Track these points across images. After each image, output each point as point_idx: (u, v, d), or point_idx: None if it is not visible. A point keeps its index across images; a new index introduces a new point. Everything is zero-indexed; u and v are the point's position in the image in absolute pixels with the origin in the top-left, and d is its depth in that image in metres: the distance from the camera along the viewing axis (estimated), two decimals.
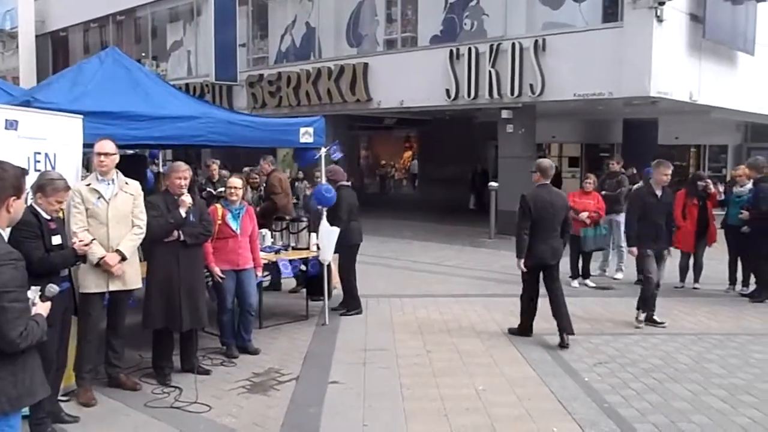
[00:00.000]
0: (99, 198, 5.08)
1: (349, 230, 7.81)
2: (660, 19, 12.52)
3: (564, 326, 6.68)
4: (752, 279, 9.33)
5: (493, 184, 15.11)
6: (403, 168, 24.46)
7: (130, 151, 10.04)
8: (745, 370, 6.07)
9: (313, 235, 7.69)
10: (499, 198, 14.92)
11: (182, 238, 5.46)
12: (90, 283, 5.04)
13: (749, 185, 9.24)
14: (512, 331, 7.21)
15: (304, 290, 8.18)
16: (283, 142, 6.67)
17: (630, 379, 5.77)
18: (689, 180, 9.94)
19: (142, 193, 5.38)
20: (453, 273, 10.96)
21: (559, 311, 6.73)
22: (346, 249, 7.87)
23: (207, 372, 5.84)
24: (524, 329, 7.10)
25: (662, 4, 12.39)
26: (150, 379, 5.63)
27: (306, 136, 6.61)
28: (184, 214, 5.49)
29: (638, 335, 7.19)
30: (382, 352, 6.50)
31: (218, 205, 6.41)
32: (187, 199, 5.52)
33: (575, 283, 9.77)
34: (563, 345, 6.62)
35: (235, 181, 6.46)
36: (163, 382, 5.55)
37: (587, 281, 9.80)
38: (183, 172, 5.54)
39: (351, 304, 8.02)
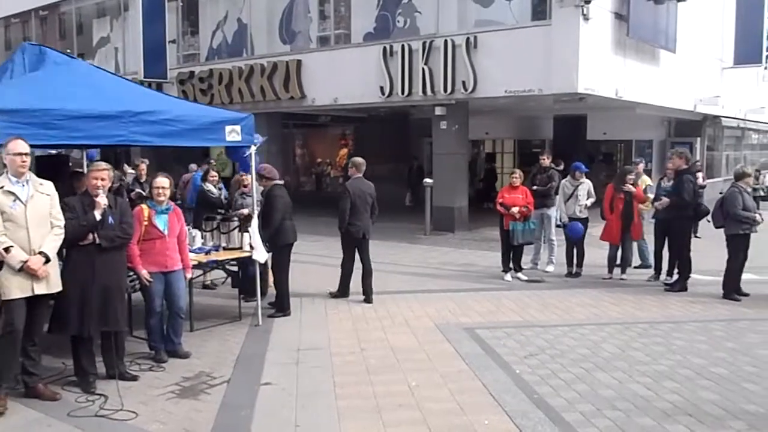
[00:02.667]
0: (15, 201, 4.87)
1: (283, 229, 7.77)
2: (586, 18, 12.84)
3: (368, 292, 8.56)
4: None
5: (428, 180, 15.22)
6: (339, 166, 24.37)
7: (53, 151, 9.69)
8: (668, 357, 6.29)
9: (246, 234, 7.56)
10: (434, 194, 15.05)
11: (98, 241, 5.27)
12: (13, 288, 4.83)
13: None
14: (333, 295, 8.68)
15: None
16: (209, 140, 6.47)
17: (559, 370, 5.90)
18: (617, 175, 10.22)
19: (56, 193, 5.17)
20: (389, 270, 10.97)
21: (368, 280, 8.61)
22: (280, 248, 7.79)
23: (134, 378, 5.66)
24: (344, 291, 8.68)
25: (588, 2, 12.70)
26: (74, 388, 5.41)
27: (233, 134, 6.44)
28: (98, 216, 5.26)
29: (568, 326, 7.36)
30: (316, 351, 6.45)
31: (144, 206, 6.21)
32: (101, 200, 5.28)
33: (508, 276, 9.94)
34: (368, 301, 8.48)
35: (162, 181, 6.27)
36: (88, 390, 5.34)
37: (519, 275, 9.98)
38: (101, 172, 5.33)
39: (280, 305, 7.89)
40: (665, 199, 9.32)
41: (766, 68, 23.15)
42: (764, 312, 8.17)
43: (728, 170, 22.45)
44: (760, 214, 9.00)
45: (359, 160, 8.83)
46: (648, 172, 18.93)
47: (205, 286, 9.16)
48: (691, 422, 4.77)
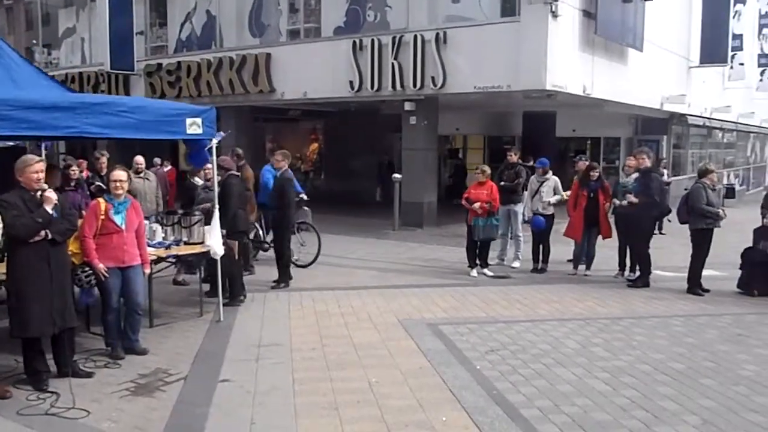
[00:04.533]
0: None
1: (236, 218, 8.02)
2: (555, 15, 12.87)
3: (286, 277, 9.10)
4: None
5: (396, 176, 15.18)
6: (310, 161, 24.23)
7: (11, 143, 9.46)
8: (627, 352, 6.33)
9: (206, 228, 7.46)
10: (403, 190, 15.02)
11: (50, 236, 5.15)
12: None
13: (634, 176, 9.67)
14: (274, 287, 8.85)
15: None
16: (168, 133, 6.32)
17: (519, 366, 5.90)
18: (583, 171, 10.27)
19: None
20: (356, 265, 10.95)
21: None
22: (233, 236, 7.91)
23: (88, 375, 5.54)
24: (286, 277, 9.04)
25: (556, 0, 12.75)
26: (25, 386, 5.27)
27: (193, 127, 6.32)
28: (51, 211, 5.16)
29: (531, 322, 7.38)
30: (277, 347, 6.38)
31: (101, 200, 6.08)
32: (52, 195, 5.18)
33: (474, 272, 9.94)
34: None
35: (120, 174, 6.14)
36: (39, 387, 5.21)
37: (485, 270, 9.99)
38: (38, 166, 5.18)
39: (232, 292, 8.04)
40: (632, 198, 9.32)
41: (731, 68, 23.47)
42: (723, 308, 8.29)
43: (694, 168, 22.74)
44: (723, 210, 9.14)
45: (287, 152, 9.51)
46: (616, 169, 19.22)
47: (176, 282, 9.08)
48: (648, 418, 4.79)
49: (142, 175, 9.70)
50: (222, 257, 7.28)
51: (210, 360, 6.03)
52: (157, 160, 13.57)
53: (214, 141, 6.87)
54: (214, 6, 18.69)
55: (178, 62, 18.59)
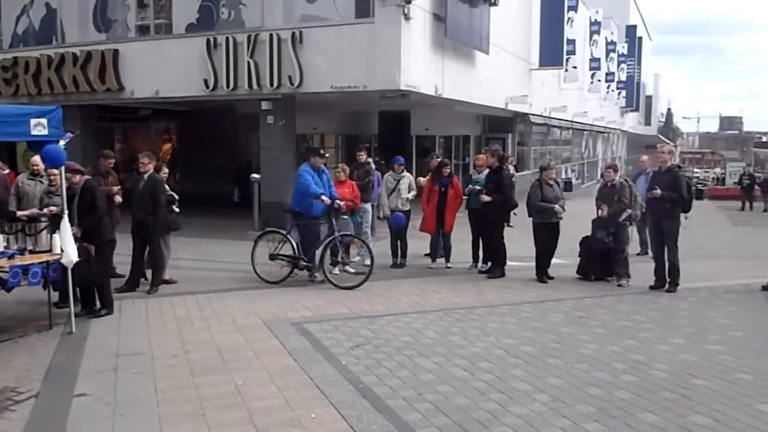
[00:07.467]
0: None
1: (104, 225, 7.79)
2: (407, 17, 13.30)
3: (158, 281, 8.89)
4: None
5: (255, 175, 15.04)
6: (164, 161, 23.31)
7: None
8: (483, 339, 6.73)
9: (56, 236, 7.04)
10: (262, 189, 14.90)
11: None
12: None
13: (485, 172, 10.22)
14: (121, 289, 8.60)
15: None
16: (11, 134, 5.91)
17: (384, 359, 6.09)
18: (435, 168, 10.72)
19: None
20: (216, 268, 10.76)
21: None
22: (102, 245, 7.69)
23: None
24: (135, 284, 8.89)
25: (409, 2, 13.16)
26: None
27: (39, 127, 5.95)
28: None
29: (392, 316, 7.63)
30: (136, 357, 6.15)
31: None
32: None
33: (336, 269, 10.07)
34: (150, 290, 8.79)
35: None
36: None
37: (347, 267, 10.16)
38: None
39: (107, 302, 7.72)
40: (486, 197, 9.83)
41: (566, 70, 25.36)
42: (566, 293, 9.01)
43: (536, 164, 24.37)
44: (561, 204, 9.77)
45: (152, 153, 9.56)
46: (466, 166, 20.18)
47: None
48: (503, 399, 5.13)
49: (38, 177, 8.96)
50: (93, 264, 6.96)
51: (63, 374, 5.72)
52: None
53: (62, 142, 6.50)
54: None
55: (15, 58, 17.23)
